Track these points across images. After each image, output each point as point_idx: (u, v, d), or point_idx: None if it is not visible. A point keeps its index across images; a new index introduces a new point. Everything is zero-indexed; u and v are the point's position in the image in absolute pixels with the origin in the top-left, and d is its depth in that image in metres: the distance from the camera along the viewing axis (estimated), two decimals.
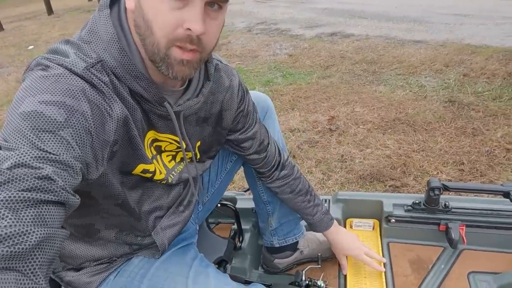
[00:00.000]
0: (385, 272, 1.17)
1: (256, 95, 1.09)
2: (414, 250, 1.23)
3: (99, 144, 0.51)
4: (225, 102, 0.77)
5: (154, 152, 0.69)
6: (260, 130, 0.89)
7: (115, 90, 0.55)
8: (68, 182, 0.45)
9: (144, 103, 0.60)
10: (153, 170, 0.67)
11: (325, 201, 1.37)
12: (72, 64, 0.52)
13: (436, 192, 1.13)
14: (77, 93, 0.49)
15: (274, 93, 3.19)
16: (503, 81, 2.85)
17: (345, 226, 1.36)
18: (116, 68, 0.55)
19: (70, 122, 0.47)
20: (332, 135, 2.36)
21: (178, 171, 0.77)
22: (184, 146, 0.72)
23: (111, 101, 0.53)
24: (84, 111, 0.49)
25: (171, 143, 0.71)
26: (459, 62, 3.35)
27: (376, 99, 2.82)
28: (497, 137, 2.10)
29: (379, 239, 1.30)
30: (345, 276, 1.18)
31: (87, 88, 0.51)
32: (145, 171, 0.66)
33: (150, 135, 0.66)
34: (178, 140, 0.70)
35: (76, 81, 0.51)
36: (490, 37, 3.96)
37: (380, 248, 1.26)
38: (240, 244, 1.28)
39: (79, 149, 0.48)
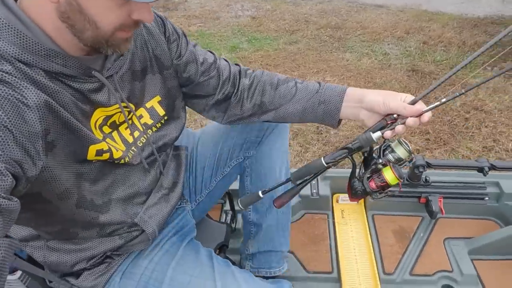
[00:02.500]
0: (372, 242, 1.27)
1: None
2: (396, 221, 1.34)
3: (26, 138, 0.47)
4: (150, 41, 0.71)
5: (109, 130, 0.65)
6: (197, 50, 0.79)
7: (24, 77, 0.50)
8: None
9: (71, 81, 0.56)
10: (107, 148, 0.62)
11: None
12: None
13: (421, 169, 1.21)
14: None
15: (242, 60, 3.10)
16: (458, 49, 3.03)
17: (332, 202, 1.42)
18: (20, 54, 0.50)
19: None
20: None
21: (141, 144, 0.72)
22: (133, 106, 0.68)
23: (22, 90, 0.49)
24: None
25: (121, 112, 0.66)
26: (418, 29, 3.46)
27: (344, 67, 2.86)
28: (456, 107, 2.26)
29: (364, 211, 1.39)
30: (336, 250, 1.26)
31: None
32: (99, 152, 0.61)
33: (98, 114, 0.62)
34: (125, 106, 0.66)
35: None
36: (445, 4, 4.11)
37: (366, 220, 1.35)
38: (235, 226, 1.30)
39: None
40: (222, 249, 1.09)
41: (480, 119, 2.13)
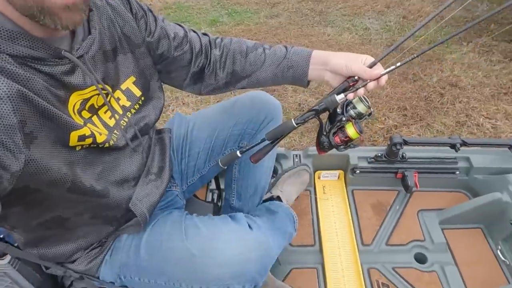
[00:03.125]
0: (351, 216, 1.34)
1: (263, 99, 0.99)
2: (374, 195, 1.41)
3: (2, 132, 0.46)
4: (117, 19, 0.69)
5: (88, 115, 0.64)
6: (167, 25, 0.79)
7: None
8: None
9: (41, 65, 0.53)
10: (90, 133, 0.61)
11: (296, 156, 1.46)
12: None
13: (398, 147, 1.27)
14: None
15: (222, 35, 3.03)
16: (436, 24, 3.05)
17: (314, 178, 1.48)
18: None
19: None
20: None
21: (123, 126, 0.72)
22: (109, 88, 0.67)
23: None
24: None
25: (98, 94, 0.64)
26: (398, 3, 3.47)
27: (325, 42, 2.86)
28: (433, 82, 2.33)
29: (344, 187, 1.45)
30: (318, 224, 1.33)
31: None
32: (81, 137, 0.59)
33: (75, 98, 0.60)
34: (102, 87, 0.65)
35: None
36: None
37: (346, 195, 1.42)
38: (221, 205, 1.33)
39: None
40: None
41: (454, 95, 2.21)
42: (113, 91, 0.69)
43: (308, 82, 0.83)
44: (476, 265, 1.19)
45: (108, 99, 0.67)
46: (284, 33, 3.02)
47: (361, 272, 1.16)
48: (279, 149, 1.45)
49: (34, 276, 0.86)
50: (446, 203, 1.36)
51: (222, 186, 1.34)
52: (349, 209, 1.36)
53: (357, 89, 0.71)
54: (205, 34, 0.86)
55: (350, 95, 0.71)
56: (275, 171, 1.46)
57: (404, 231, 1.29)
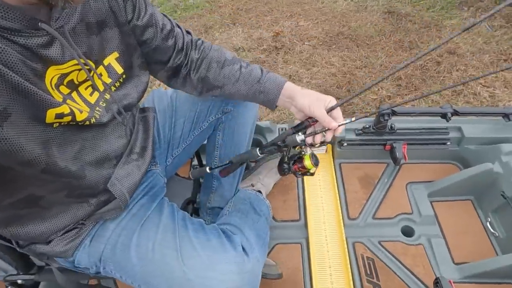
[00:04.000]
0: (338, 190, 1.31)
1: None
2: (362, 169, 1.37)
3: None
4: None
5: (67, 90, 0.59)
6: (156, 13, 0.76)
7: None
8: None
9: (15, 36, 0.48)
10: (69, 111, 0.57)
11: (282, 129, 1.40)
12: None
13: (386, 117, 1.21)
14: None
15: (211, 4, 2.91)
16: None
17: None
18: None
19: None
20: (278, 53, 2.30)
21: (104, 104, 0.68)
22: (93, 65, 0.63)
23: None
24: None
25: (79, 69, 0.60)
26: None
27: (319, 11, 2.73)
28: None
29: (332, 160, 1.41)
30: (304, 199, 1.29)
31: None
32: (59, 115, 0.55)
33: (52, 72, 0.56)
34: (84, 62, 0.60)
35: None
36: None
37: (333, 169, 1.38)
38: (202, 181, 1.30)
39: None
40: (188, 204, 1.10)
41: (452, 63, 2.12)
42: (97, 66, 0.65)
43: (276, 106, 0.85)
44: (464, 237, 1.17)
45: (91, 75, 0.63)
46: (276, 1, 2.89)
47: (345, 246, 1.14)
48: (264, 122, 1.40)
49: (9, 256, 0.84)
50: (436, 175, 1.31)
51: (204, 162, 1.30)
52: (335, 183, 1.32)
53: (314, 134, 0.76)
54: (188, 32, 0.85)
55: (308, 140, 0.77)
56: (258, 144, 1.41)
57: (391, 204, 1.26)
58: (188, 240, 0.74)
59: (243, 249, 0.77)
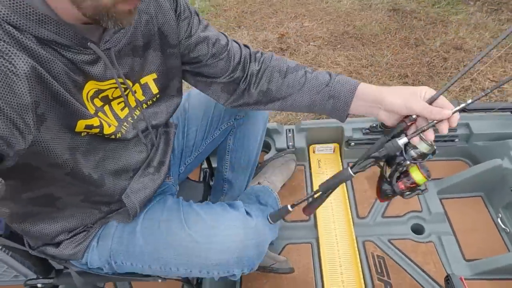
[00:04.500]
0: (346, 189, 1.32)
1: None
2: (371, 168, 1.37)
3: (14, 110, 0.44)
4: (158, 16, 0.66)
5: (100, 103, 0.62)
6: (210, 30, 0.75)
7: (14, 42, 0.45)
8: None
9: (64, 50, 0.51)
10: (99, 124, 0.60)
11: (289, 131, 1.42)
12: None
13: None
14: None
15: (216, 8, 2.93)
16: None
17: (308, 152, 1.44)
18: (10, 16, 0.45)
19: None
20: (284, 54, 2.31)
21: (132, 121, 0.70)
22: (130, 84, 0.65)
23: (11, 57, 0.44)
24: None
25: (116, 88, 0.63)
26: None
27: (323, 10, 2.73)
28: (436, 47, 2.22)
29: (340, 160, 1.42)
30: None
31: None
32: (88, 126, 0.58)
33: (90, 86, 0.58)
34: (122, 82, 0.63)
35: None
36: None
37: (341, 168, 1.38)
38: (212, 183, 1.32)
39: None
40: None
41: (459, 59, 2.11)
42: (132, 85, 0.67)
43: (347, 115, 0.75)
44: (475, 234, 1.17)
45: (125, 93, 0.65)
46: (280, 3, 2.90)
47: (355, 245, 1.15)
48: (271, 124, 1.41)
49: (29, 260, 0.87)
50: (445, 172, 1.31)
51: (214, 165, 1.32)
52: (344, 183, 1.33)
53: (421, 132, 0.61)
54: (246, 46, 0.81)
55: (415, 139, 0.62)
56: (267, 147, 1.43)
57: (400, 202, 1.26)
58: (193, 211, 0.77)
59: (246, 212, 0.78)
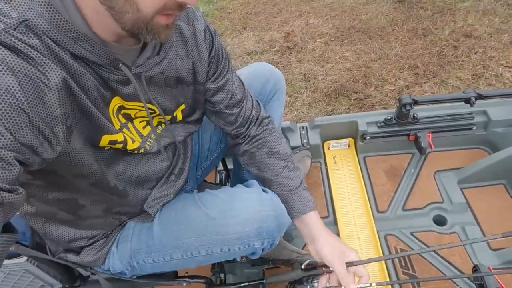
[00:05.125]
0: (364, 184, 1.30)
1: (269, 70, 1.00)
2: (387, 161, 1.36)
3: (43, 121, 0.44)
4: (194, 53, 0.69)
5: (124, 120, 0.63)
6: (233, 80, 0.79)
7: (50, 54, 0.46)
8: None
9: (96, 67, 0.52)
10: (122, 139, 0.61)
11: (303, 128, 1.41)
12: None
13: (408, 107, 1.20)
14: None
15: (220, 11, 2.95)
16: None
17: (323, 149, 1.43)
18: (49, 30, 0.45)
19: None
20: (291, 53, 2.31)
21: (155, 137, 0.71)
22: (157, 111, 0.66)
23: (45, 68, 0.44)
24: (8, 85, 0.40)
25: (140, 110, 0.64)
26: None
27: (328, 7, 2.72)
28: (445, 35, 2.19)
29: (356, 155, 1.41)
30: (331, 195, 1.30)
31: (7, 56, 0.41)
32: (112, 142, 0.59)
33: (116, 101, 0.59)
34: (148, 107, 0.64)
35: None
36: None
37: (358, 163, 1.37)
38: (229, 185, 1.32)
39: (10, 134, 0.40)
40: None
41: (469, 46, 2.08)
42: (165, 113, 0.69)
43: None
44: (499, 223, 1.14)
45: (152, 115, 0.67)
46: (284, 2, 2.90)
47: (378, 239, 1.14)
48: (284, 122, 1.41)
49: (55, 270, 0.88)
50: (464, 161, 1.29)
51: (229, 166, 1.32)
52: (361, 177, 1.32)
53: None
54: (259, 105, 0.87)
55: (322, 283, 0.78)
56: None
57: (420, 194, 1.25)
58: (207, 193, 0.77)
59: (262, 190, 0.79)
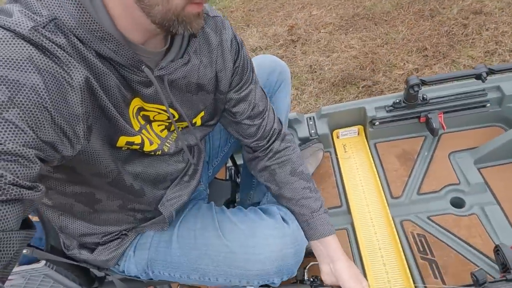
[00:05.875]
0: (377, 170, 1.27)
1: (274, 61, 1.00)
2: (399, 146, 1.33)
3: (65, 120, 0.45)
4: (218, 62, 0.68)
5: (143, 122, 0.63)
6: (256, 91, 0.79)
7: (76, 54, 0.46)
8: (20, 174, 0.38)
9: (119, 67, 0.53)
10: (140, 142, 0.61)
11: (310, 118, 1.39)
12: (16, 24, 0.41)
13: (416, 88, 1.17)
14: (22, 62, 0.40)
15: (223, 11, 2.95)
16: None
17: (332, 138, 1.41)
18: (76, 29, 0.46)
19: (16, 100, 0.39)
20: (295, 46, 2.29)
21: (173, 139, 0.72)
22: (176, 116, 0.66)
23: (69, 68, 0.45)
24: (34, 83, 0.40)
25: (159, 113, 0.64)
26: None
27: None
28: (453, 14, 2.12)
29: (366, 142, 1.38)
30: (343, 184, 1.28)
31: (35, 54, 0.41)
32: (129, 143, 0.59)
33: (136, 102, 0.59)
34: (167, 111, 0.64)
35: (20, 46, 0.41)
36: None
37: (368, 150, 1.34)
38: (239, 180, 1.32)
39: (32, 131, 0.40)
40: (229, 205, 1.12)
41: (480, 23, 2.00)
42: (181, 120, 0.69)
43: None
44: None
45: (174, 119, 0.67)
46: None
47: (393, 226, 1.11)
48: (291, 114, 1.39)
49: (72, 272, 0.90)
50: (480, 140, 1.24)
51: (238, 162, 1.32)
52: (373, 164, 1.29)
53: None
54: (280, 121, 0.87)
55: None
56: None
57: (436, 177, 1.21)
58: (227, 219, 0.76)
59: (282, 219, 0.78)
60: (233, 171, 1.31)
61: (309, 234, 0.82)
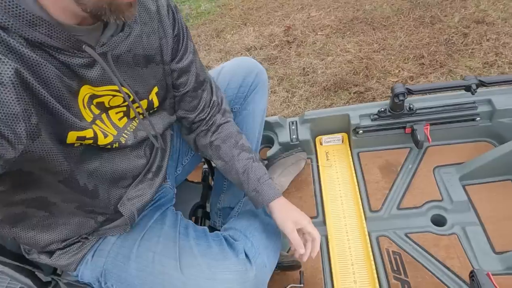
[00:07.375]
0: (357, 181, 1.21)
1: (252, 63, 0.97)
2: (382, 156, 1.27)
3: (1, 122, 0.41)
4: (159, 30, 0.65)
5: (97, 111, 0.58)
6: (196, 61, 0.76)
7: (1, 46, 0.42)
8: None
9: (57, 53, 0.48)
10: (92, 135, 0.57)
11: (293, 123, 1.34)
12: None
13: (401, 97, 1.11)
14: None
15: (222, 8, 2.90)
16: None
17: (315, 145, 1.35)
18: None
19: None
20: (290, 47, 2.23)
21: (132, 129, 0.67)
22: (131, 96, 0.61)
23: None
24: None
25: (114, 95, 0.60)
26: None
27: None
28: (454, 23, 2.05)
29: (349, 150, 1.32)
30: (321, 194, 1.22)
31: None
32: (81, 138, 0.55)
33: (86, 91, 0.55)
34: (119, 90, 0.59)
35: None
36: None
37: (351, 159, 1.28)
38: (213, 184, 1.26)
39: None
40: (197, 210, 1.07)
41: (481, 33, 1.93)
42: (140, 98, 0.66)
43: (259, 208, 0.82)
44: (506, 223, 1.03)
45: (130, 100, 0.63)
46: None
47: (368, 241, 1.05)
48: (273, 117, 1.34)
49: (20, 273, 0.85)
50: (467, 155, 1.18)
51: (213, 164, 1.26)
52: (354, 175, 1.23)
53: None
54: (218, 94, 0.85)
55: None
56: (270, 141, 1.36)
57: (418, 192, 1.15)
58: (189, 248, 0.71)
59: (247, 256, 0.72)
60: (208, 173, 1.25)
61: (259, 201, 0.79)
